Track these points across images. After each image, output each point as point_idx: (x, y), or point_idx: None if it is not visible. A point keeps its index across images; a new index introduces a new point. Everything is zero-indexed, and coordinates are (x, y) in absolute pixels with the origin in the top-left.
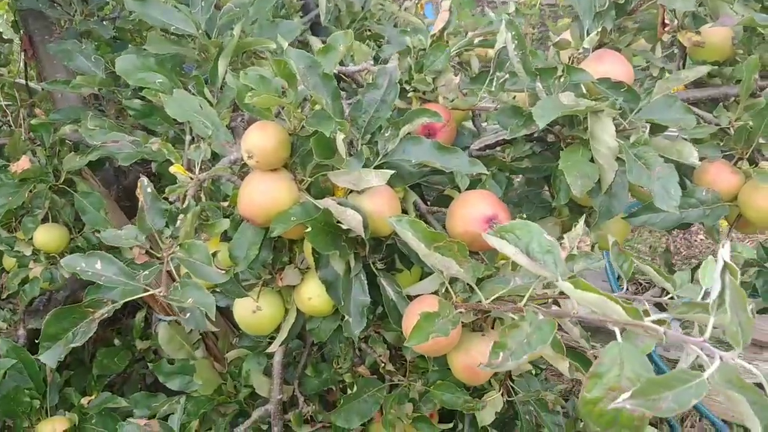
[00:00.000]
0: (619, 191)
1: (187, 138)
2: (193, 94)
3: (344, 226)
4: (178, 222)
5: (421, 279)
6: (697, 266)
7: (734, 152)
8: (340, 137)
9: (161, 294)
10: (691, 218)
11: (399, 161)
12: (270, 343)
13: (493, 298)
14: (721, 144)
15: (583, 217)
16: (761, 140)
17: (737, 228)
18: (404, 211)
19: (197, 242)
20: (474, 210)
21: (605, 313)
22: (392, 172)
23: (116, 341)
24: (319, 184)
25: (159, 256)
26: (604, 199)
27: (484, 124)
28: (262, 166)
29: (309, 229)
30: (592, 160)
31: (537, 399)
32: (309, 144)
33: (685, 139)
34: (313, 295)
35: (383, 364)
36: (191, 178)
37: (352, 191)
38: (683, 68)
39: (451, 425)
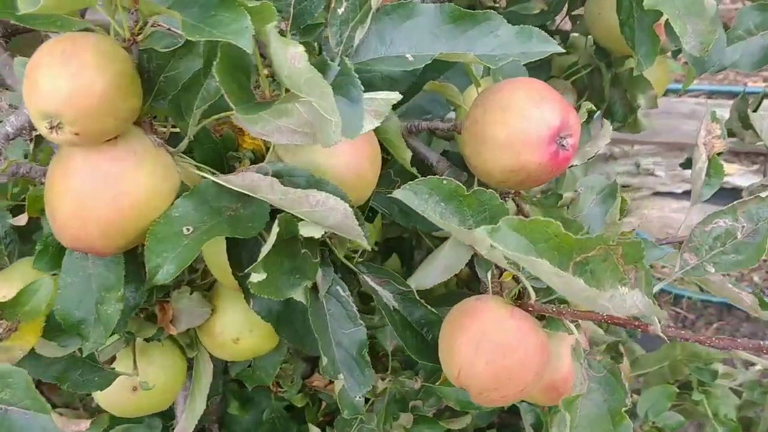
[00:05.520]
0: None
1: None
2: None
3: (304, 229)
4: None
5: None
6: None
7: None
8: (280, 40)
9: None
10: None
11: (379, 64)
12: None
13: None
14: None
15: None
16: None
17: None
18: (384, 150)
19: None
20: (530, 123)
21: None
22: (394, 97)
23: None
24: (208, 138)
25: None
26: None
27: None
28: (89, 139)
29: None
30: None
31: None
32: (177, 65)
33: None
34: (240, 333)
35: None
36: None
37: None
38: None
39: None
